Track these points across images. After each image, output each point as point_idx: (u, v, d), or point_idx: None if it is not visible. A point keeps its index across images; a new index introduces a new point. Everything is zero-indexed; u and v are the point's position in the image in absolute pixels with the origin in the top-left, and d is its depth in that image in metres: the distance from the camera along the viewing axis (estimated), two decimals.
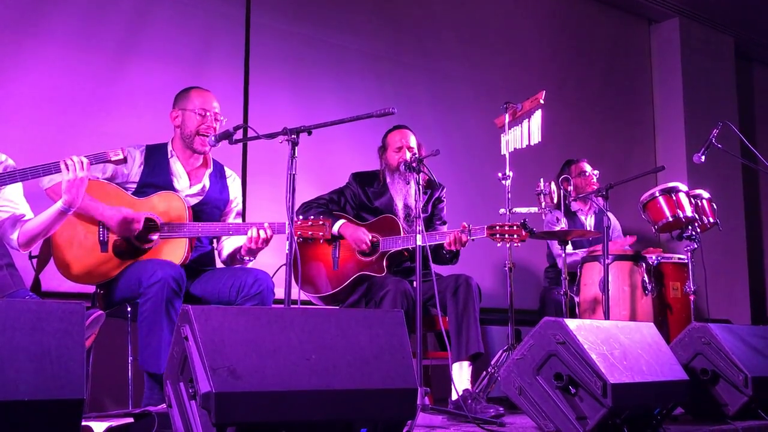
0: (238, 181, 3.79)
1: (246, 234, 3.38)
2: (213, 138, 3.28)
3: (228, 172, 3.74)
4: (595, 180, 5.13)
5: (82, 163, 3.05)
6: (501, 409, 3.22)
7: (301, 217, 3.36)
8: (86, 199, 3.28)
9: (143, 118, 4.40)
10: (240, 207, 3.75)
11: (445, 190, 4.21)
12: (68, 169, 3.03)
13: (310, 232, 3.27)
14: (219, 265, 3.70)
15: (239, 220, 3.75)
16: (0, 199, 3.16)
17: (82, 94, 4.36)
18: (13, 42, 4.17)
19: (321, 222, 3.28)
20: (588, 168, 5.18)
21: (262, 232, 3.34)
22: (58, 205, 3.08)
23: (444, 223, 4.19)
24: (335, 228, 3.90)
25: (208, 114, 3.53)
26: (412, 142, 4.09)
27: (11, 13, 4.19)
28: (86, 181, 3.07)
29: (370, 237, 3.88)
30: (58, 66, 4.30)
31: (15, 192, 3.19)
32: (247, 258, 3.51)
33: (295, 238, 3.09)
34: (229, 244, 3.62)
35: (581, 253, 4.86)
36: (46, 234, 3.18)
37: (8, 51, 4.15)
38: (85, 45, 4.39)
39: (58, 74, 4.30)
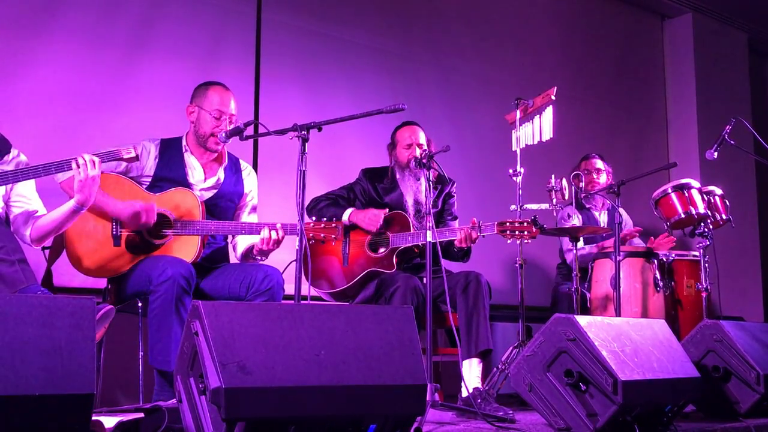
0: (254, 174, 3.78)
1: (258, 234, 3.38)
2: (224, 134, 3.30)
3: (243, 164, 3.74)
4: (602, 179, 5.09)
5: (93, 161, 3.05)
6: (510, 411, 3.21)
7: (313, 218, 3.37)
8: (98, 195, 3.28)
9: (155, 113, 4.42)
10: (255, 201, 3.74)
11: (455, 184, 4.20)
12: (79, 168, 3.03)
13: (322, 234, 3.30)
14: (232, 260, 3.71)
15: (255, 216, 3.73)
16: (13, 194, 3.18)
17: (95, 90, 4.38)
18: (25, 39, 4.19)
19: (333, 225, 3.30)
20: (599, 165, 5.15)
21: (273, 233, 3.34)
22: (71, 204, 3.09)
23: (455, 218, 4.18)
24: (345, 217, 3.90)
25: (223, 117, 3.52)
26: (421, 138, 4.09)
27: (23, 10, 4.21)
28: (98, 180, 3.07)
29: (382, 216, 3.88)
30: (70, 62, 4.32)
31: (28, 187, 3.21)
32: (260, 258, 3.52)
33: (307, 239, 3.10)
34: (243, 242, 3.63)
35: (589, 248, 4.84)
36: (58, 231, 3.19)
37: (21, 48, 4.17)
38: (97, 42, 4.41)
39: (71, 71, 4.32)
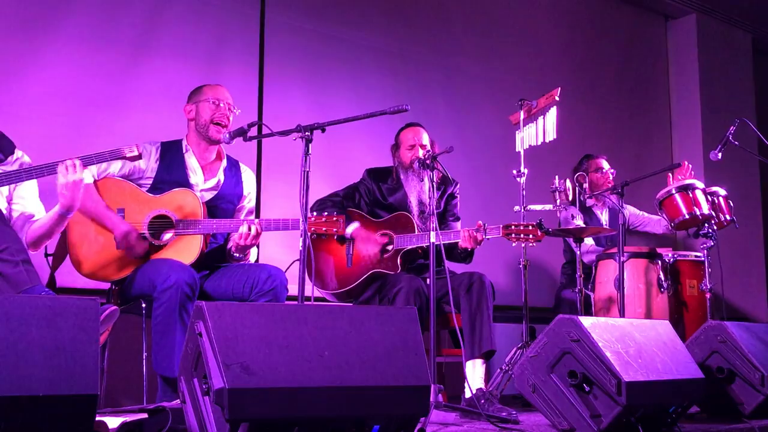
0: (253, 177, 3.79)
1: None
2: (227, 135, 3.29)
3: (243, 167, 3.75)
4: (611, 178, 5.09)
5: (74, 165, 3.03)
6: (514, 411, 3.21)
7: (314, 213, 3.36)
8: (100, 207, 3.33)
9: (159, 115, 4.42)
10: (252, 204, 3.75)
11: (458, 185, 4.20)
12: (59, 173, 3.02)
13: (324, 228, 3.27)
14: None
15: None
16: (15, 196, 3.20)
17: (98, 91, 4.38)
18: (29, 40, 4.20)
19: (335, 218, 3.28)
20: (606, 165, 5.15)
21: (253, 228, 3.34)
22: (56, 208, 3.10)
23: (457, 219, 4.17)
24: (348, 230, 3.90)
25: (221, 104, 3.55)
26: (425, 139, 4.08)
27: (28, 11, 4.22)
28: (81, 183, 3.05)
29: (381, 245, 3.86)
30: (73, 63, 4.33)
31: (29, 190, 3.22)
32: (238, 255, 3.50)
33: (309, 234, 3.09)
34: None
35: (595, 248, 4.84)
36: (50, 236, 3.20)
37: (25, 49, 4.18)
38: (100, 43, 4.41)
39: (74, 72, 4.32)
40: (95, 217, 3.34)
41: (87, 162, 3.10)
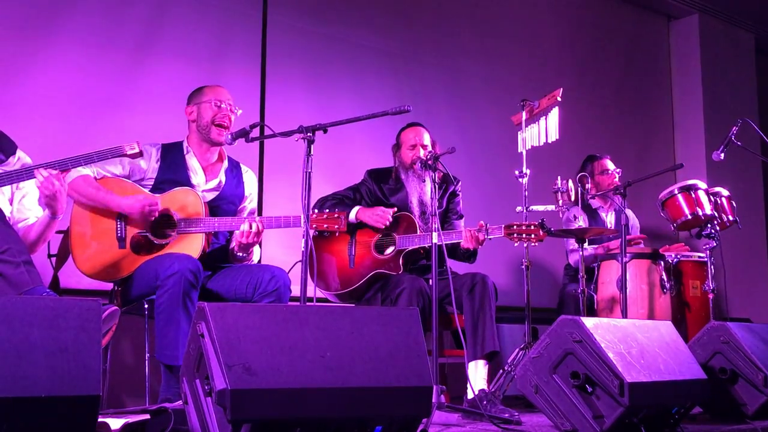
0: (254, 178, 3.79)
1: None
2: (230, 136, 3.29)
3: (244, 168, 3.76)
4: (617, 178, 5.08)
5: (51, 181, 3.01)
6: (516, 413, 3.20)
7: (316, 210, 3.36)
8: (102, 192, 3.32)
9: (161, 115, 4.42)
10: (254, 205, 3.75)
11: (460, 183, 4.20)
12: (42, 181, 3.01)
13: (325, 225, 3.27)
14: None
15: None
16: (14, 201, 3.22)
17: (100, 91, 4.38)
18: (32, 40, 4.20)
19: (336, 215, 3.28)
20: (611, 166, 5.14)
21: (254, 226, 3.35)
22: (45, 213, 3.12)
23: (460, 217, 4.17)
24: (352, 215, 3.90)
25: (223, 105, 3.56)
26: (426, 139, 4.08)
27: (30, 11, 4.22)
28: (64, 191, 3.05)
29: (391, 213, 3.86)
30: (76, 64, 4.33)
31: (29, 197, 3.25)
32: (240, 254, 3.50)
33: (311, 231, 3.09)
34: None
35: (593, 249, 4.83)
36: (44, 240, 3.23)
37: (27, 49, 4.18)
38: (103, 43, 4.42)
39: (76, 72, 4.33)
40: (98, 204, 3.32)
41: (88, 160, 3.10)
